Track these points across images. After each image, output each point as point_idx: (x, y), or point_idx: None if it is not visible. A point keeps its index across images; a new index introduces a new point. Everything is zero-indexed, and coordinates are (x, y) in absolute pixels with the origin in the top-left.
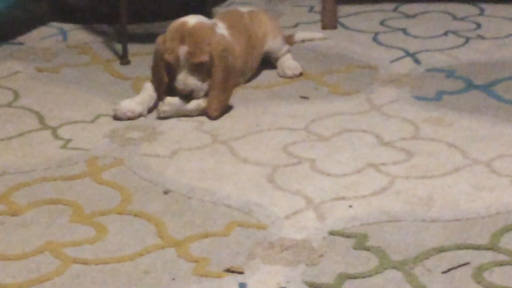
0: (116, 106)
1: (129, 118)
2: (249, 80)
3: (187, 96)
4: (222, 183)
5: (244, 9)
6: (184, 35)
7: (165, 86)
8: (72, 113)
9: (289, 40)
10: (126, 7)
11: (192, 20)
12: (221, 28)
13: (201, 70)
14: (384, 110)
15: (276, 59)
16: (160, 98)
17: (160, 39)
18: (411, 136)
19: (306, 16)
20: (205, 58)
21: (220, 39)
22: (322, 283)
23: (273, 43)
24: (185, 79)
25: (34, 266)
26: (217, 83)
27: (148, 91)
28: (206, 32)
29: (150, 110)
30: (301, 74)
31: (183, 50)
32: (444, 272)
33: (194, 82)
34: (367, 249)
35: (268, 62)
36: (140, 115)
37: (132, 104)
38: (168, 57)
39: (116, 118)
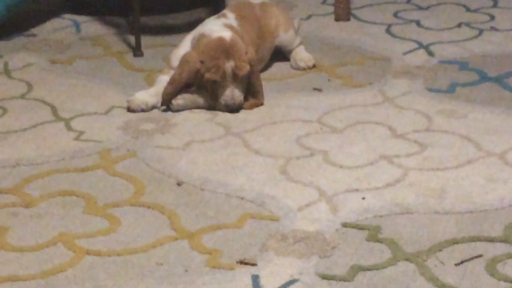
0: (130, 98)
1: (143, 110)
2: (261, 72)
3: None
4: (235, 175)
5: (256, 1)
6: (227, 51)
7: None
8: (85, 105)
9: None
10: None
11: (225, 34)
12: (231, 19)
13: (243, 81)
14: (397, 102)
15: (289, 52)
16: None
17: (193, 57)
18: (424, 128)
19: (319, 8)
20: (248, 69)
21: (250, 48)
22: (335, 275)
23: (285, 36)
24: (233, 94)
25: (48, 257)
26: (258, 87)
27: (162, 83)
28: (241, 44)
29: None
30: (314, 66)
31: (229, 65)
32: (457, 264)
33: (240, 94)
34: (380, 241)
35: (281, 54)
36: (153, 108)
37: (146, 96)
38: (214, 76)
39: (130, 110)
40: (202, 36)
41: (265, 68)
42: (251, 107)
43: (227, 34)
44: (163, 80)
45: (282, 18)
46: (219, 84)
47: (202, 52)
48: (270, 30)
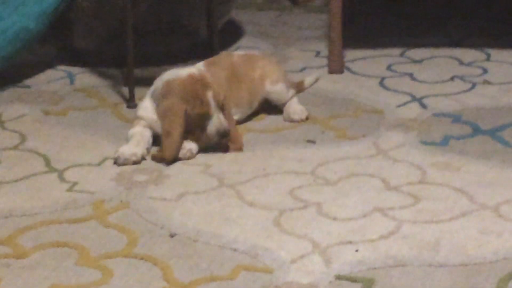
0: (117, 154)
1: (134, 162)
2: (255, 124)
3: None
4: (229, 226)
5: (239, 52)
6: (202, 82)
7: (180, 146)
8: (78, 156)
9: (299, 86)
10: (133, 50)
11: (191, 70)
12: (198, 65)
13: (222, 108)
14: (391, 154)
15: (282, 105)
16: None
17: (174, 102)
18: (418, 180)
19: (313, 60)
20: (223, 94)
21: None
22: None
23: (273, 88)
24: (220, 120)
25: None
26: (233, 129)
27: (136, 134)
28: (208, 75)
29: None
30: (307, 118)
31: (210, 95)
32: None
33: (224, 119)
34: None
35: (274, 106)
36: (143, 158)
37: (132, 148)
38: (202, 109)
39: (120, 164)
40: (168, 82)
41: (258, 120)
42: (230, 151)
43: (192, 70)
44: (137, 132)
45: (270, 70)
46: (205, 117)
47: (180, 93)
48: (252, 80)
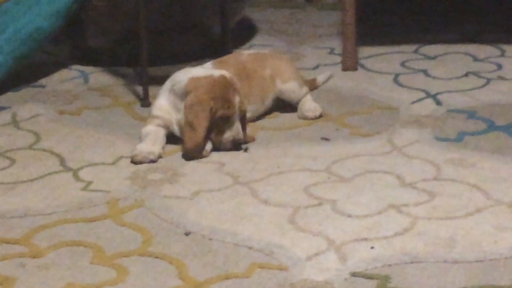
0: (135, 152)
1: (152, 161)
2: (269, 121)
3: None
4: (243, 224)
5: (249, 51)
6: (233, 87)
7: (203, 141)
8: (93, 155)
9: (312, 84)
10: (147, 50)
11: (223, 72)
12: (206, 65)
13: (242, 117)
14: (405, 151)
15: (296, 103)
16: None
17: (203, 96)
18: (433, 177)
19: (327, 58)
20: (247, 104)
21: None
22: None
23: (284, 87)
24: (238, 129)
25: None
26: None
27: (151, 133)
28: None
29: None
30: (321, 116)
31: (237, 100)
32: None
33: (241, 130)
34: None
35: (288, 104)
36: (159, 156)
37: (149, 146)
38: (228, 111)
39: (138, 163)
40: (193, 79)
41: (272, 118)
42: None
43: (224, 72)
44: (151, 130)
45: (281, 69)
46: (227, 120)
47: (211, 90)
48: (263, 78)
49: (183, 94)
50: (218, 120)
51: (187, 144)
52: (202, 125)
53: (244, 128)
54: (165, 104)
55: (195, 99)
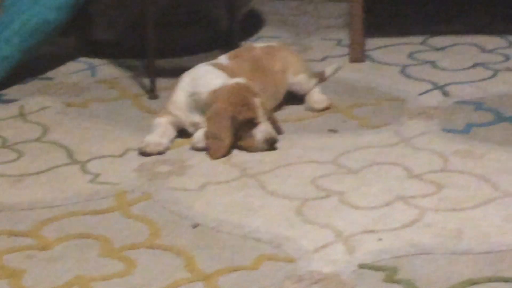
0: (143, 143)
1: (159, 152)
2: (277, 114)
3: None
4: (251, 216)
5: (259, 45)
6: (250, 90)
7: (229, 148)
8: (100, 148)
9: (320, 76)
10: (154, 42)
11: (237, 80)
12: (221, 59)
13: (270, 117)
14: (413, 142)
15: (304, 95)
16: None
17: (221, 106)
18: (440, 168)
19: (334, 49)
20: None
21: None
22: None
23: (295, 79)
24: (268, 128)
25: None
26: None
27: (162, 126)
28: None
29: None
30: (328, 107)
31: (258, 101)
32: None
33: (272, 128)
34: (397, 282)
35: (295, 96)
36: (167, 148)
37: (158, 138)
38: (249, 113)
39: (146, 154)
40: (214, 92)
41: (280, 110)
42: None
43: (238, 79)
44: (163, 123)
45: (291, 62)
46: (252, 123)
47: (228, 98)
48: (276, 71)
49: (205, 106)
50: (243, 125)
51: (214, 155)
52: (226, 133)
53: (275, 126)
54: (183, 105)
55: (214, 110)
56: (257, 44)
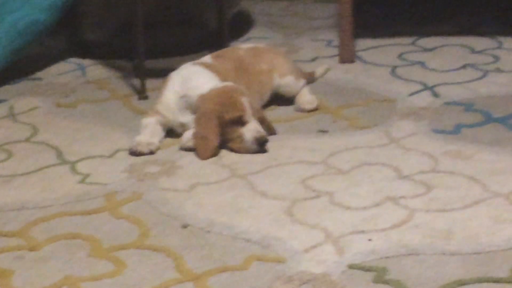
0: (134, 143)
1: (151, 152)
2: (266, 114)
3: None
4: (241, 217)
5: (246, 46)
6: (238, 90)
7: (216, 148)
8: (90, 148)
9: (309, 76)
10: (144, 42)
11: (226, 83)
12: (205, 58)
13: (261, 117)
14: (402, 143)
15: (293, 97)
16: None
17: (208, 105)
18: (430, 169)
19: (324, 50)
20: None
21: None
22: None
23: (282, 81)
24: (257, 127)
25: None
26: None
27: (151, 126)
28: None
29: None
30: (317, 108)
31: (245, 100)
32: None
33: (261, 128)
34: (387, 282)
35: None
36: (158, 148)
37: (148, 138)
38: (236, 112)
39: (137, 154)
40: (202, 95)
41: (269, 111)
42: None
43: (228, 83)
44: (151, 123)
45: (278, 63)
46: (241, 122)
47: (214, 98)
48: (261, 72)
49: (195, 108)
50: (230, 124)
51: (202, 156)
52: (212, 133)
53: (268, 126)
54: (171, 106)
55: (201, 111)
56: (243, 45)
